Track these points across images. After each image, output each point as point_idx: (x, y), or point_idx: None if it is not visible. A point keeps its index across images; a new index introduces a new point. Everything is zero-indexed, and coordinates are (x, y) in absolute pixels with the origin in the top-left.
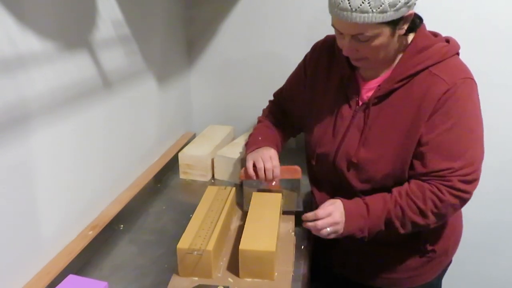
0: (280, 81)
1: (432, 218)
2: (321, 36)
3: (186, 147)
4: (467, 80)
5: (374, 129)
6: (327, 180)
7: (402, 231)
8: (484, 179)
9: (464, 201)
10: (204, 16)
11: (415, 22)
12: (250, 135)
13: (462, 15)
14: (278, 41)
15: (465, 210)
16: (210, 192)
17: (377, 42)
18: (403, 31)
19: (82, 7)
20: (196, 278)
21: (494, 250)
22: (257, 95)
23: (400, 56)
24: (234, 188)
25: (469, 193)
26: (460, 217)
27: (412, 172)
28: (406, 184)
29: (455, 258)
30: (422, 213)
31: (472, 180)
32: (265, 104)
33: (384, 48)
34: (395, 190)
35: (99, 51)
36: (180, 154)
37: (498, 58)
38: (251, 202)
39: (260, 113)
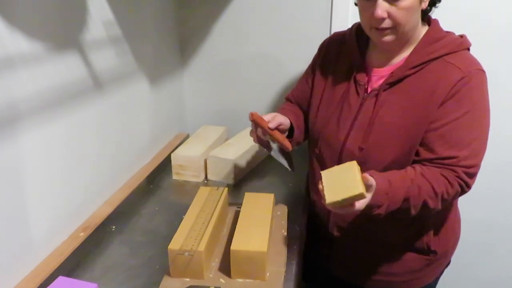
0: (273, 82)
1: (439, 203)
2: (315, 37)
3: (179, 147)
4: (481, 72)
5: (383, 114)
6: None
7: (413, 212)
8: (480, 178)
9: (462, 194)
10: (196, 16)
11: (435, 3)
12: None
13: (459, 15)
14: (272, 41)
15: (462, 209)
16: (203, 192)
17: (407, 2)
18: (425, 5)
19: (72, 7)
20: (188, 279)
21: (489, 250)
22: (250, 96)
23: (413, 46)
24: (226, 189)
25: (470, 187)
26: (458, 218)
27: (417, 158)
28: (416, 166)
29: (452, 258)
30: (436, 195)
31: (473, 174)
32: (259, 104)
33: (411, 13)
34: (408, 169)
35: (90, 51)
36: (172, 155)
37: (498, 58)
38: (243, 202)
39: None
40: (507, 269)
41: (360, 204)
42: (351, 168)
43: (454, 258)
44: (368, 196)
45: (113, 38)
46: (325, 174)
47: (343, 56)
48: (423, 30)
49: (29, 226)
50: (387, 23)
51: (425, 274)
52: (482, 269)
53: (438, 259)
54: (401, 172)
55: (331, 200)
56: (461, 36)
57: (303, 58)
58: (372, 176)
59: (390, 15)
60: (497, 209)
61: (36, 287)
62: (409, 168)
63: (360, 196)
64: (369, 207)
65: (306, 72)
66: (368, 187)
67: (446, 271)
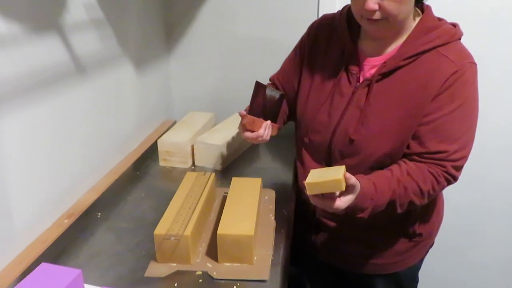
0: (262, 66)
1: (425, 199)
2: (305, 21)
3: (166, 133)
4: (473, 65)
5: (376, 106)
6: (321, 158)
7: (399, 210)
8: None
9: (449, 185)
10: None
11: None
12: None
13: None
14: (261, 26)
15: (447, 194)
16: (189, 178)
17: None
18: None
19: None
20: (175, 264)
21: (471, 230)
22: (238, 81)
23: (407, 34)
24: (213, 174)
25: (456, 179)
26: (443, 201)
27: (407, 151)
28: (402, 163)
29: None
30: (422, 194)
31: (461, 167)
32: (247, 90)
33: (404, 4)
34: (394, 168)
35: (71, 34)
36: (159, 141)
37: (484, 44)
38: (230, 187)
39: (241, 99)
40: (493, 252)
41: (341, 202)
42: (339, 168)
43: (440, 241)
44: (351, 197)
45: (95, 21)
46: (314, 170)
47: (334, 42)
48: (417, 17)
49: (11, 213)
50: (378, 15)
51: (411, 255)
52: (467, 252)
53: (424, 240)
54: (387, 173)
55: (310, 180)
56: (454, 25)
57: (291, 42)
58: (358, 179)
59: (381, 7)
60: (480, 194)
61: (18, 275)
62: (395, 167)
63: (338, 185)
64: (353, 209)
65: (293, 53)
66: (350, 186)
67: (432, 253)
